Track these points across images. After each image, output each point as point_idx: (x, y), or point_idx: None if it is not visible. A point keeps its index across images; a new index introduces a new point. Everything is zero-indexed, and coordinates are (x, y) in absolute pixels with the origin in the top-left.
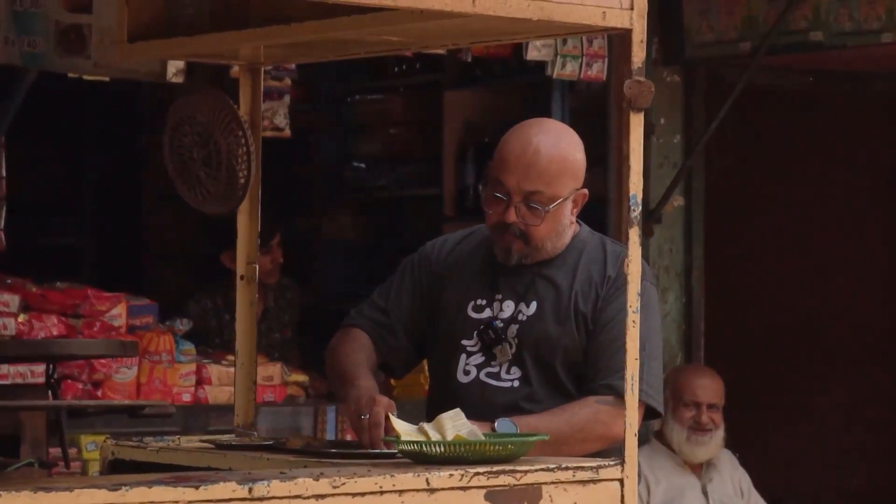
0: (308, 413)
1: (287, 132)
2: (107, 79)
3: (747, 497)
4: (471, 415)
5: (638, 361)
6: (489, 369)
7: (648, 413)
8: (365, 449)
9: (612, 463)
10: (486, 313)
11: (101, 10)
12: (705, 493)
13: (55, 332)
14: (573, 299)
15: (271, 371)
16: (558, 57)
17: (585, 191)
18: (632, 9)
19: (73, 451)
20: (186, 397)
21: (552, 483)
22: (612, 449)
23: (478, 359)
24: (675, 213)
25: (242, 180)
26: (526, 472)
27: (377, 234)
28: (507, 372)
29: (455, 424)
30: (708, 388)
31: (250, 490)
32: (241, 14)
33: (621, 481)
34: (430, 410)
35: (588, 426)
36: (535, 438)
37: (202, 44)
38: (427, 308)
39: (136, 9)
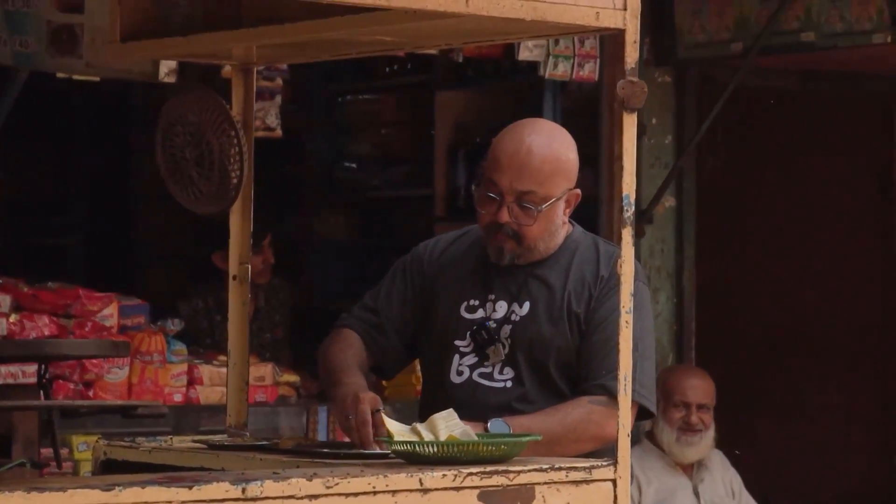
0: (299, 413)
1: (279, 132)
2: (97, 79)
3: (738, 497)
4: (464, 415)
5: (631, 362)
6: (482, 370)
7: (641, 413)
8: (357, 448)
9: (605, 463)
10: (479, 314)
11: (93, 9)
12: (696, 493)
13: (47, 333)
14: (566, 299)
15: (263, 371)
16: (550, 57)
17: (578, 191)
18: (625, 9)
19: (64, 452)
20: (178, 397)
21: (545, 483)
22: (605, 449)
23: (471, 359)
24: (666, 214)
25: (235, 180)
26: (519, 472)
27: (368, 235)
28: (500, 372)
29: (448, 425)
30: (697, 388)
31: (244, 490)
32: (234, 14)
33: (614, 482)
34: (422, 411)
35: (581, 426)
36: (528, 439)
37: (195, 44)
38: (419, 309)
39: (128, 9)
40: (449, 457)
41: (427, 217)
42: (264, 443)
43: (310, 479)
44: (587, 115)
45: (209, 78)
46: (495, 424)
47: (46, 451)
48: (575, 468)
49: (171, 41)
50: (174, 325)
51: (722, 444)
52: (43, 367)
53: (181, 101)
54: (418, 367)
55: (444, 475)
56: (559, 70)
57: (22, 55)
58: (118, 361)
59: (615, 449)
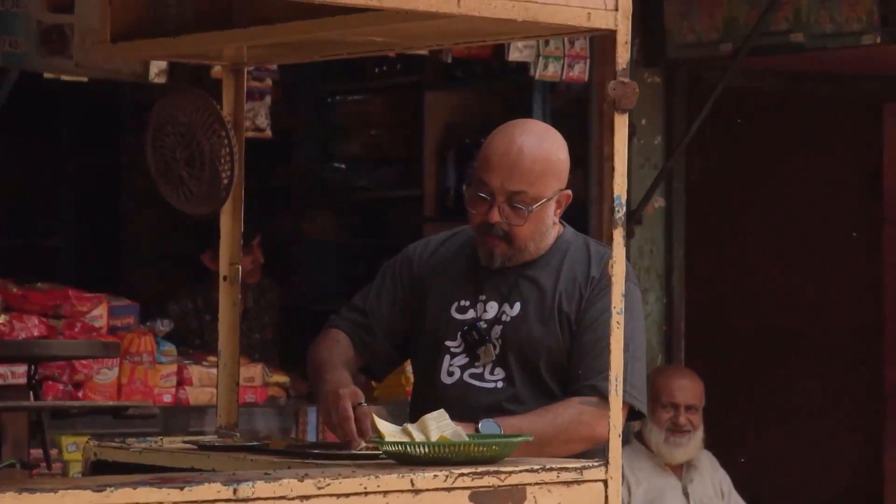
0: (289, 414)
1: (268, 133)
2: (84, 79)
3: (727, 498)
4: (454, 416)
5: (622, 362)
6: (473, 370)
7: (632, 414)
8: (343, 446)
9: (596, 464)
10: (470, 314)
11: (83, 10)
12: (686, 493)
13: (36, 333)
14: (557, 300)
15: (252, 372)
16: (540, 58)
17: (569, 192)
18: (616, 10)
19: (53, 452)
20: (167, 398)
21: (536, 484)
22: (596, 450)
23: (461, 360)
24: (655, 215)
25: (225, 181)
26: (510, 472)
27: (357, 235)
28: (491, 373)
29: (439, 425)
30: (686, 389)
31: (235, 491)
32: (225, 14)
33: (605, 482)
34: (413, 411)
35: (572, 427)
36: (519, 439)
37: (186, 44)
38: (409, 309)
39: (119, 9)
40: (440, 457)
41: (416, 217)
42: (255, 443)
43: (301, 480)
44: (576, 116)
45: (197, 78)
46: (486, 425)
47: (36, 452)
48: (566, 469)
49: (162, 41)
50: (164, 325)
51: (711, 444)
52: (33, 367)
53: (172, 102)
54: (408, 368)
55: (436, 476)
56: (549, 71)
57: (12, 56)
58: (108, 362)
59: (606, 449)
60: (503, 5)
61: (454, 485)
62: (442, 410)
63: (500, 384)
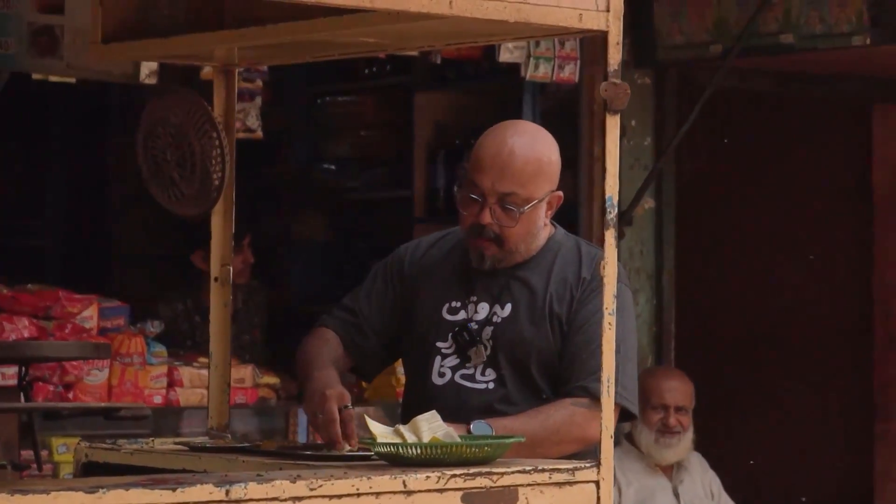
0: (279, 415)
1: (259, 133)
2: (72, 80)
3: (717, 499)
4: (446, 417)
5: (614, 363)
6: (464, 371)
7: (623, 415)
8: (328, 447)
9: (588, 465)
10: (461, 315)
11: (73, 11)
12: (676, 494)
13: (26, 334)
14: (548, 301)
15: (243, 373)
16: (531, 59)
17: (560, 193)
18: (608, 11)
19: (44, 454)
20: (158, 399)
21: (528, 485)
22: (588, 451)
23: (453, 361)
24: (645, 216)
25: (217, 182)
26: (502, 473)
27: (347, 236)
28: (482, 374)
29: (431, 426)
30: (675, 390)
31: (227, 492)
32: (216, 15)
33: (597, 483)
34: (404, 412)
35: (563, 428)
36: (511, 440)
37: (176, 45)
38: (400, 310)
39: (109, 10)
40: (432, 458)
41: (406, 218)
42: (246, 445)
43: (293, 481)
44: (566, 117)
45: (188, 80)
46: (478, 426)
47: (26, 454)
48: (558, 470)
49: (153, 42)
50: (154, 326)
51: (701, 445)
52: (23, 369)
53: (163, 103)
54: (398, 369)
55: (428, 477)
56: (540, 72)
57: (2, 56)
58: (98, 363)
59: (598, 451)
60: (495, 6)
61: (446, 486)
62: (434, 412)
63: (491, 385)
